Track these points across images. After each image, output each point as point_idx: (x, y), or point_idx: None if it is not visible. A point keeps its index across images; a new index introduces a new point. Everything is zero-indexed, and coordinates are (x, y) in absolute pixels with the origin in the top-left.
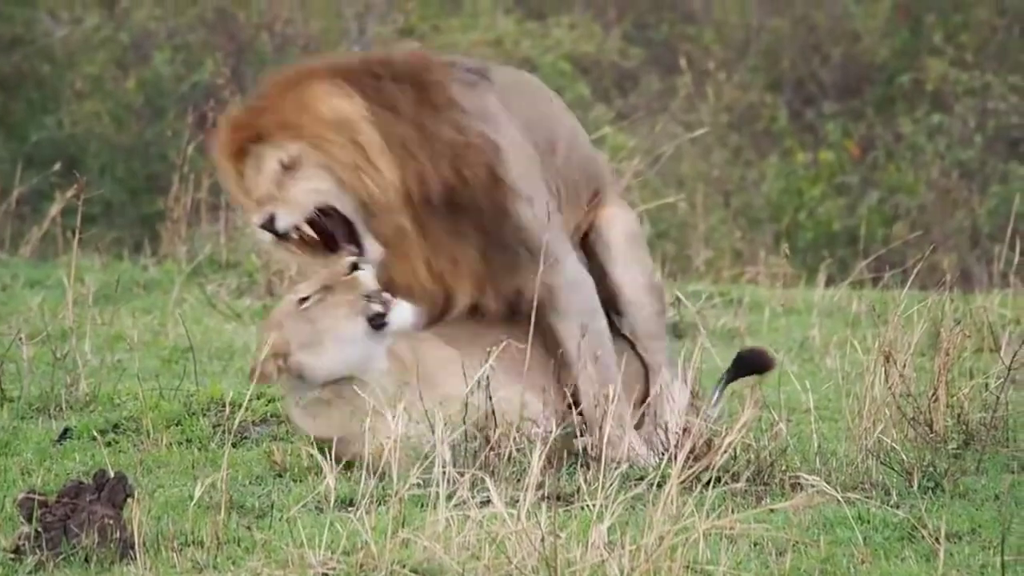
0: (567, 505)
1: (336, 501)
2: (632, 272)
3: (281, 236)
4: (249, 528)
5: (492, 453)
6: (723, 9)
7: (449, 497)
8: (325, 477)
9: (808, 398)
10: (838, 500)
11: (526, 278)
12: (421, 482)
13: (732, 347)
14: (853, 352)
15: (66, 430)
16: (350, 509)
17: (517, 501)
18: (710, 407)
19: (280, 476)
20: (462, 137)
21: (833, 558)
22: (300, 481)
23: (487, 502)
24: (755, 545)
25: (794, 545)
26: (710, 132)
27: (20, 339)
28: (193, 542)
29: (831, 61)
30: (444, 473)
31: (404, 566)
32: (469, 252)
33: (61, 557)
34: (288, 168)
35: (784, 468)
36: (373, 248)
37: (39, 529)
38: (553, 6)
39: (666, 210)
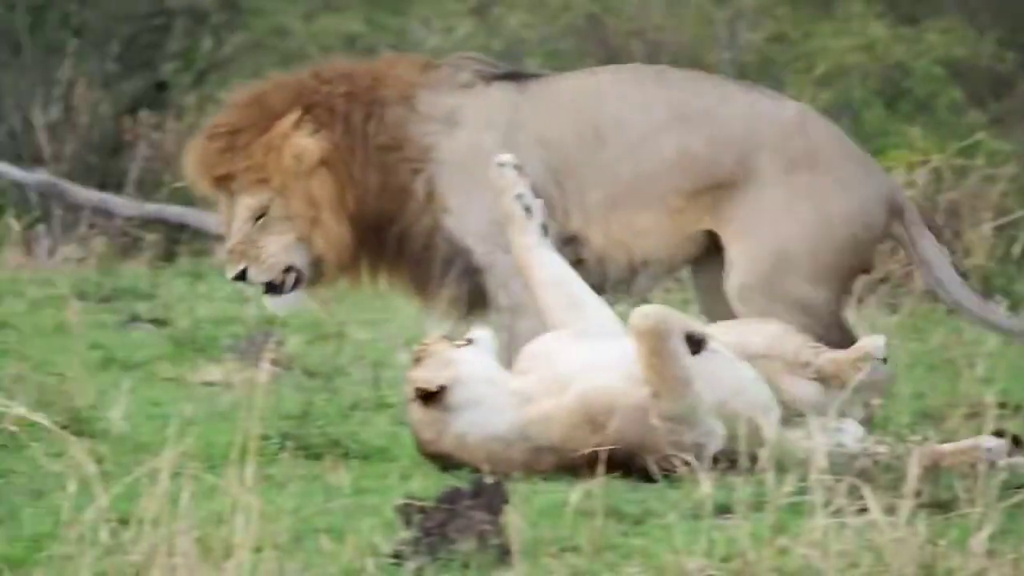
0: (946, 513)
1: (713, 508)
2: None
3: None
4: (626, 534)
5: (869, 460)
6: None
7: (826, 505)
8: (701, 483)
9: None
10: None
11: (463, 287)
12: (798, 489)
13: None
14: None
15: None
16: (727, 516)
17: (895, 509)
18: None
19: (656, 482)
20: (395, 142)
21: None
22: (676, 487)
23: (864, 510)
24: None
25: None
26: None
27: (397, 346)
28: (570, 548)
29: None
30: (821, 481)
31: (782, 573)
32: (404, 274)
33: (440, 563)
34: (257, 217)
35: None
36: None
37: (418, 534)
38: (926, 10)
39: None
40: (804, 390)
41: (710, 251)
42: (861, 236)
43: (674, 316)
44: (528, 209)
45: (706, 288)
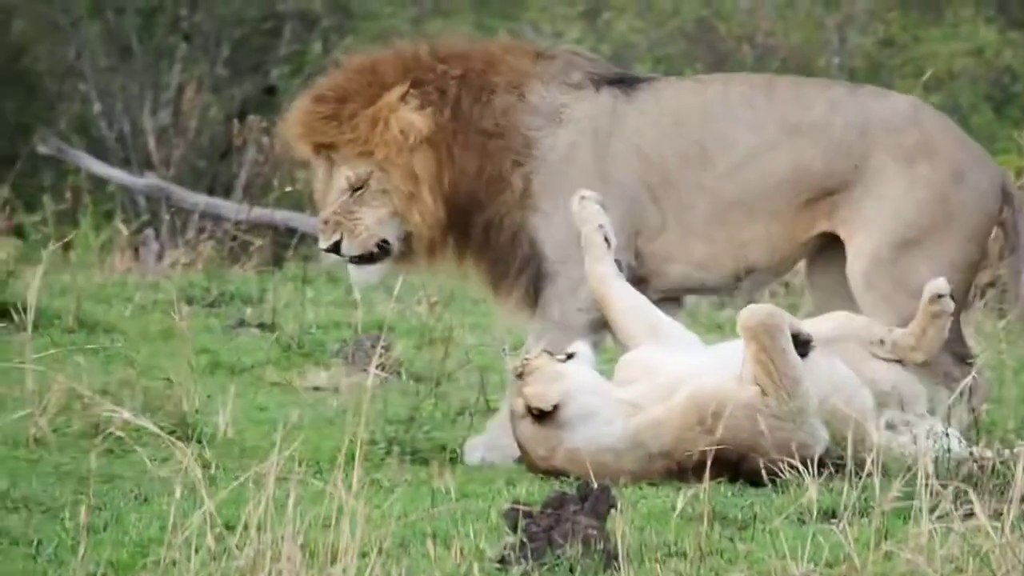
0: None
1: (818, 512)
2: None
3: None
4: (732, 539)
5: (975, 465)
6: None
7: (932, 509)
8: (807, 488)
9: None
10: None
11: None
12: (904, 494)
13: None
14: None
15: None
16: (832, 520)
17: (1001, 514)
18: None
19: (762, 486)
20: (499, 130)
21: None
22: (782, 492)
23: (970, 515)
24: None
25: None
26: None
27: (503, 350)
28: (676, 553)
29: None
30: (927, 485)
31: None
32: (484, 264)
33: (546, 567)
34: (355, 188)
35: None
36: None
37: (524, 539)
38: None
39: None
40: (886, 373)
41: (824, 248)
42: (978, 221)
43: (782, 314)
44: (607, 241)
45: (821, 285)
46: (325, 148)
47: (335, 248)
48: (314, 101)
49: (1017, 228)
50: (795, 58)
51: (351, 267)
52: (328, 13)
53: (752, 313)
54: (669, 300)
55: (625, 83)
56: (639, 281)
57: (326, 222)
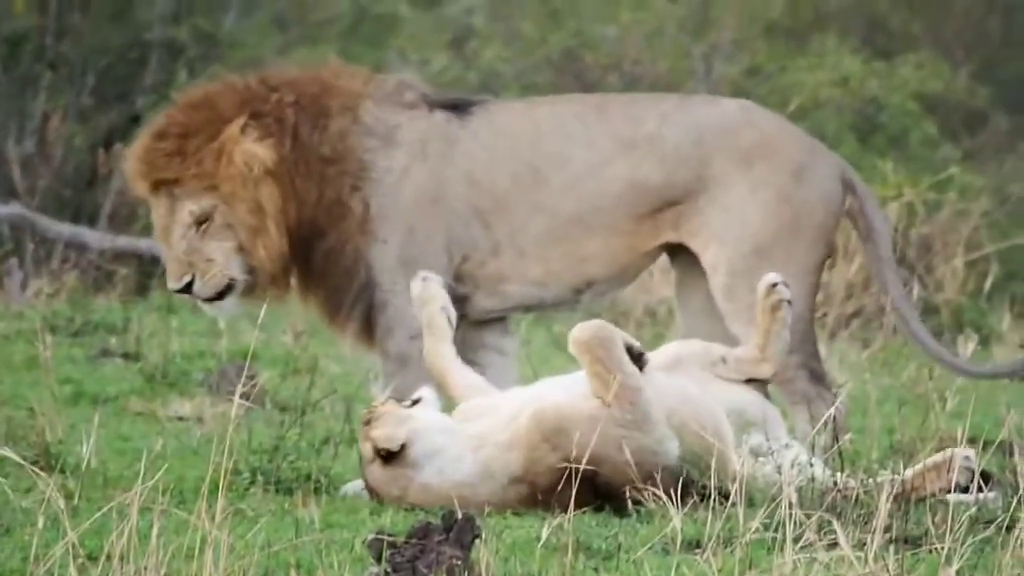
0: (915, 548)
1: (683, 542)
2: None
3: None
4: (596, 570)
5: (839, 495)
6: None
7: (796, 539)
8: (671, 518)
9: None
10: None
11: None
12: (767, 524)
13: None
14: None
15: None
16: (696, 551)
17: (864, 544)
18: None
19: (626, 517)
20: (336, 154)
21: None
22: (647, 522)
23: (834, 545)
24: None
25: None
26: None
27: (369, 379)
28: None
29: None
30: (791, 515)
31: None
32: (321, 295)
33: None
34: (199, 222)
35: None
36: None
37: (388, 570)
38: (900, 45)
39: (1017, 252)
40: (731, 394)
41: (688, 268)
42: (824, 218)
43: (613, 328)
44: (450, 321)
45: (689, 306)
46: (167, 184)
47: (187, 289)
48: (155, 138)
49: (866, 214)
50: (662, 86)
51: (204, 305)
52: (194, 42)
53: (583, 329)
54: (494, 322)
55: (459, 108)
56: (460, 300)
57: (177, 261)
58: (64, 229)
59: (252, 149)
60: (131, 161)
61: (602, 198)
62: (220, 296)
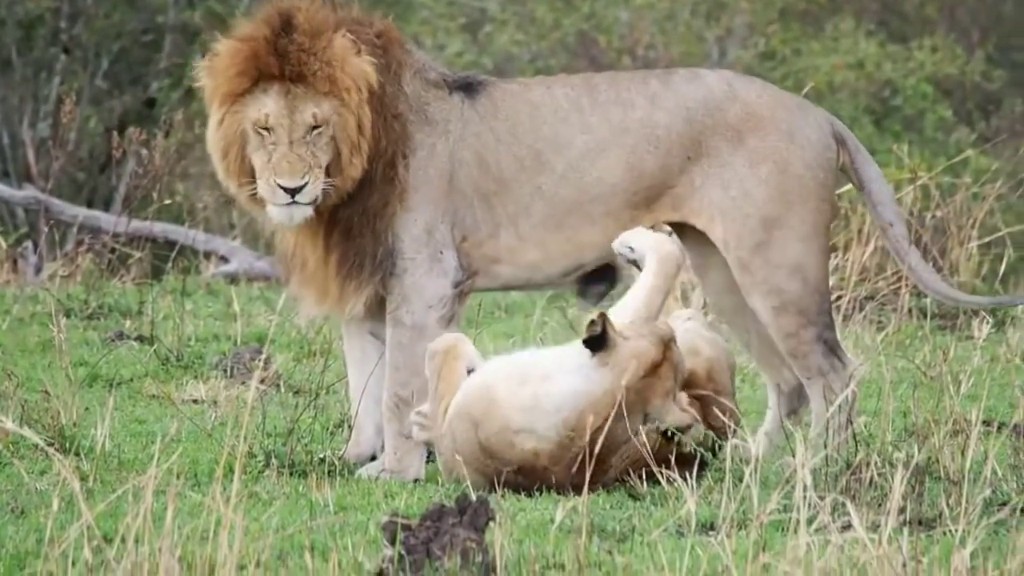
0: (929, 530)
1: (697, 524)
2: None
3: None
4: (610, 552)
5: (853, 477)
6: None
7: (810, 522)
8: (685, 501)
9: None
10: None
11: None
12: (781, 506)
13: None
14: None
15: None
16: (711, 532)
17: (878, 526)
18: None
19: (640, 500)
20: (398, 114)
21: None
22: (661, 504)
23: (848, 527)
24: None
25: None
26: None
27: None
28: (554, 565)
29: None
30: (805, 497)
31: None
32: (340, 249)
33: None
34: (316, 126)
35: None
36: None
37: (402, 552)
38: (915, 28)
39: None
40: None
41: (700, 249)
42: (823, 176)
43: (467, 345)
44: None
45: (713, 285)
46: (294, 79)
47: (297, 191)
48: (278, 33)
49: (856, 166)
50: None
51: (293, 209)
52: (208, 26)
53: (441, 340)
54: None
55: (469, 87)
56: (471, 275)
57: (299, 159)
58: (78, 212)
59: (363, 65)
60: (241, 53)
61: (602, 184)
62: (314, 203)
